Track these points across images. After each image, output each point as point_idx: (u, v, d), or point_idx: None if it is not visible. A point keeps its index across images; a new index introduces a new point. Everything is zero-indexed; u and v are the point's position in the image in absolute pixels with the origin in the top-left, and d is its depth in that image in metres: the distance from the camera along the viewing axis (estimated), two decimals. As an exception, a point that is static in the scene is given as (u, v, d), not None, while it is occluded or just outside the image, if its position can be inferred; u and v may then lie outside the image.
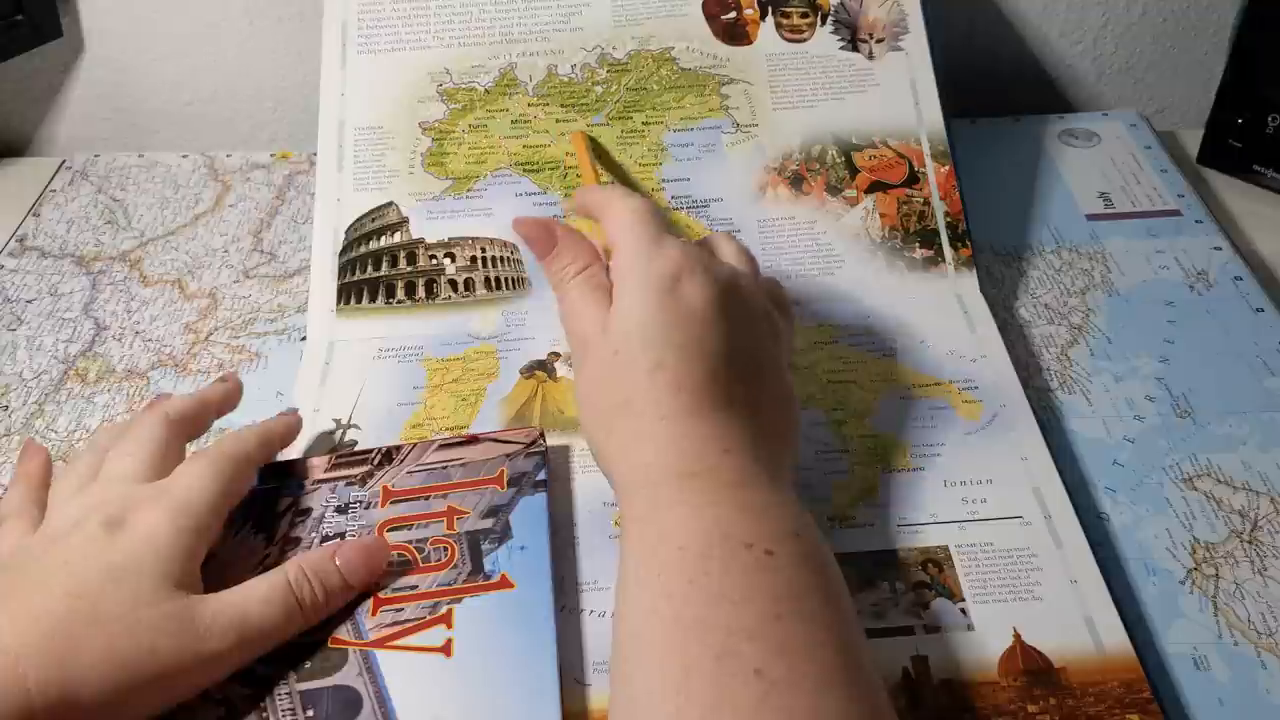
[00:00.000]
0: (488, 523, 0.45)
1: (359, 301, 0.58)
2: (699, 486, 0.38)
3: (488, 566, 0.43)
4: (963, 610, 0.43)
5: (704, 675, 0.32)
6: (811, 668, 0.33)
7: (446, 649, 0.41)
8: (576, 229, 0.48)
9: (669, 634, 0.34)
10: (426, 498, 0.46)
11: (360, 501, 0.46)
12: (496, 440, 0.49)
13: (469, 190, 0.61)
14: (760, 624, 0.33)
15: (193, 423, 0.46)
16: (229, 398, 0.49)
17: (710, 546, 0.36)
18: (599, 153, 0.61)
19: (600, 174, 0.58)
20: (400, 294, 0.58)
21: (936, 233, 0.60)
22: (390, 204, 0.60)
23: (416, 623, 0.42)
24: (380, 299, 0.58)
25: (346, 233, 0.60)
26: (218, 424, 0.49)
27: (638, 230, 0.44)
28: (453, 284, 0.59)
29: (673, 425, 0.39)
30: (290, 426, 0.49)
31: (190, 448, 0.46)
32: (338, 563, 0.42)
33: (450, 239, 0.60)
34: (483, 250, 0.60)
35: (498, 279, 0.59)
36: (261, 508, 0.46)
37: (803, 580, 0.35)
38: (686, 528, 0.36)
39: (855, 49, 0.64)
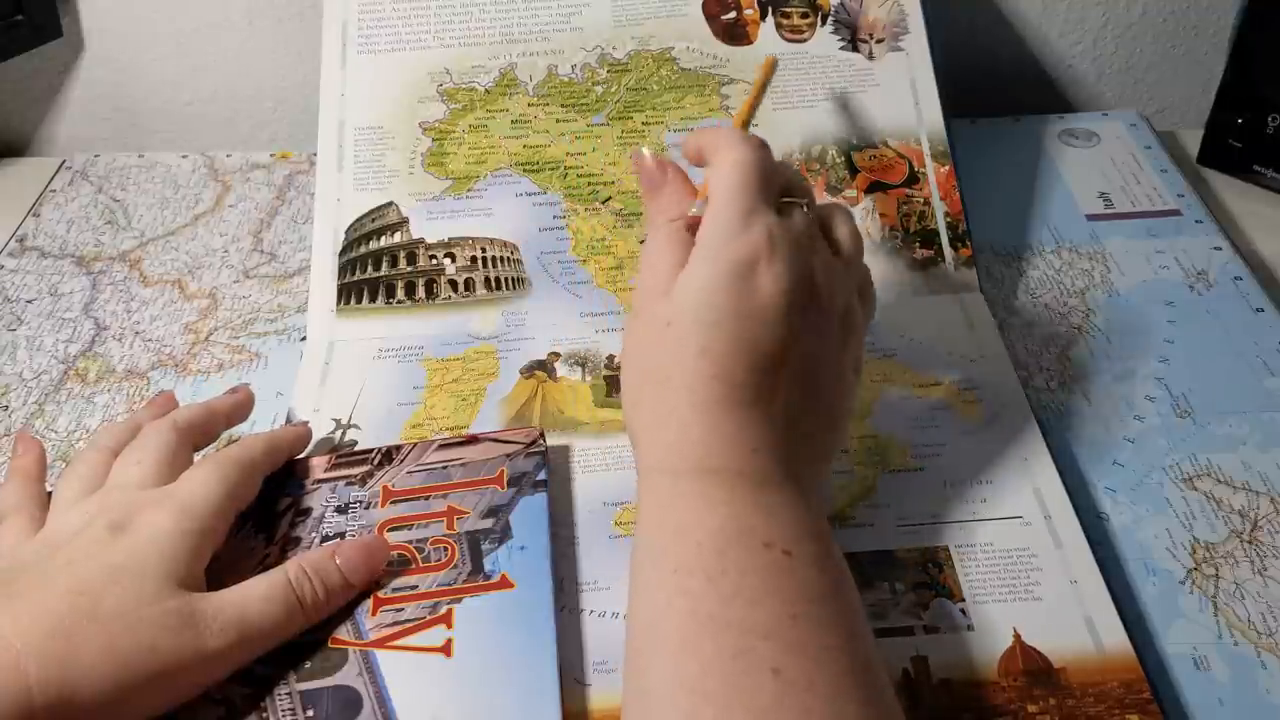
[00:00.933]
0: (488, 523, 0.45)
1: (359, 301, 0.58)
2: (720, 482, 0.37)
3: (488, 566, 0.43)
4: (963, 610, 0.43)
5: (720, 673, 0.32)
6: (827, 670, 0.33)
7: (446, 649, 0.41)
8: (686, 176, 0.45)
9: (685, 630, 0.34)
10: (426, 498, 0.46)
11: (360, 501, 0.46)
12: (496, 440, 0.49)
13: (469, 190, 0.61)
14: (777, 624, 0.33)
15: (201, 431, 0.47)
16: (238, 409, 0.49)
17: (728, 544, 0.35)
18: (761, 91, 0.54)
19: (754, 111, 0.52)
20: (400, 294, 0.58)
21: (936, 233, 0.60)
22: (390, 204, 0.60)
23: (416, 623, 0.42)
24: (380, 299, 0.58)
25: (346, 233, 0.60)
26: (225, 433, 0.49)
27: (733, 196, 0.40)
28: (453, 284, 0.59)
29: (704, 415, 0.38)
30: (300, 437, 0.49)
31: (195, 457, 0.46)
32: (338, 562, 0.42)
33: (450, 239, 0.60)
34: (483, 250, 0.60)
35: (498, 279, 0.59)
36: (261, 508, 0.46)
37: (820, 583, 0.35)
38: (704, 524, 0.36)
39: (855, 49, 0.64)
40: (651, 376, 0.40)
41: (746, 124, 0.50)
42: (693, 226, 0.42)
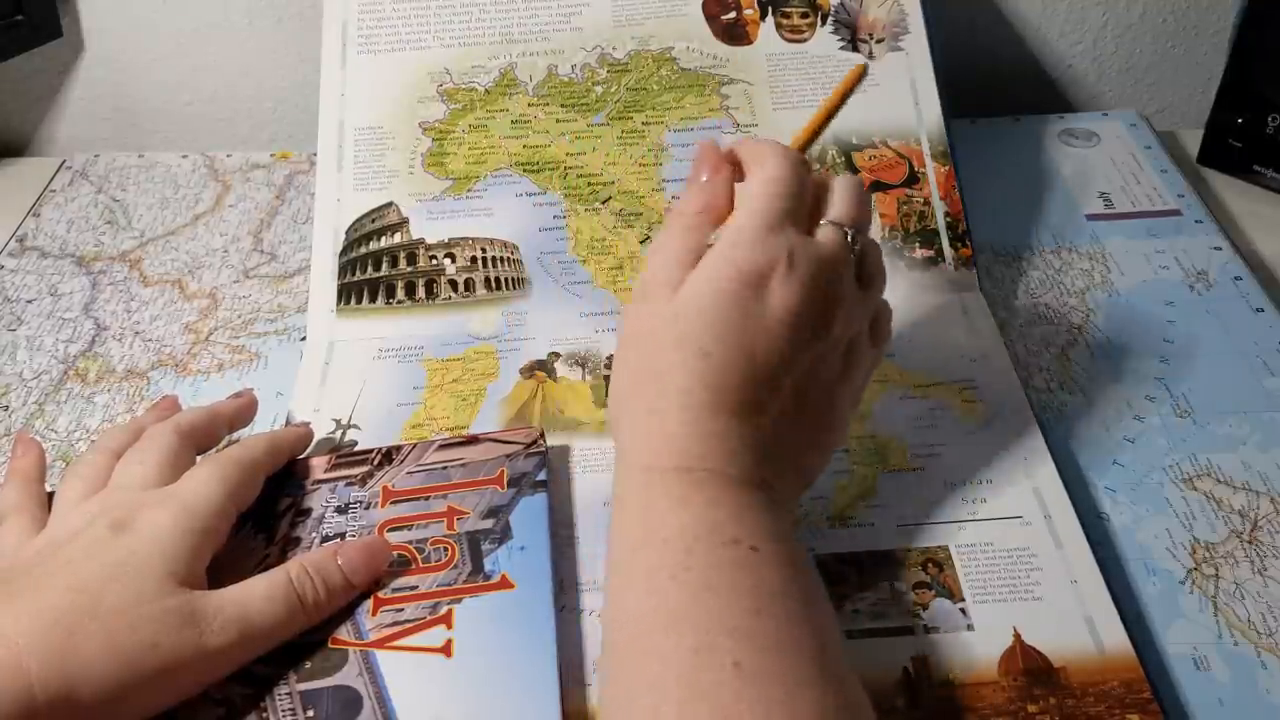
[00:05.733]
0: (488, 523, 0.45)
1: (359, 302, 0.58)
2: (695, 481, 0.38)
3: (488, 567, 0.43)
4: (963, 610, 0.43)
5: (681, 668, 0.32)
6: (790, 664, 0.33)
7: (446, 649, 0.41)
8: (731, 182, 0.44)
9: (649, 628, 0.34)
10: (426, 498, 0.46)
11: (360, 502, 0.46)
12: (496, 440, 0.49)
13: (469, 190, 0.61)
14: (740, 619, 0.33)
15: (204, 434, 0.47)
16: (241, 413, 0.49)
17: (694, 541, 0.35)
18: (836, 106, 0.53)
19: (826, 123, 0.51)
20: (400, 294, 0.58)
21: (936, 233, 0.60)
22: (390, 204, 0.60)
23: (417, 623, 0.42)
24: (380, 299, 0.58)
25: (347, 233, 0.60)
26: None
27: (763, 205, 0.40)
28: (453, 284, 0.59)
29: (693, 416, 0.38)
30: (301, 437, 0.49)
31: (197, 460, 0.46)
32: (340, 562, 0.42)
33: (450, 239, 0.60)
34: (483, 250, 0.60)
35: (498, 279, 0.59)
36: (262, 508, 0.46)
37: (784, 580, 0.35)
38: (672, 522, 0.36)
39: (855, 49, 0.64)
40: (649, 369, 0.40)
41: (814, 136, 0.49)
42: (725, 212, 0.41)
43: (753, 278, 0.39)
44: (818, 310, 0.40)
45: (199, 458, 0.46)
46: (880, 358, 0.45)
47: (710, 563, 0.35)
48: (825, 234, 0.42)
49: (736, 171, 0.44)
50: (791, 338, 0.39)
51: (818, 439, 0.42)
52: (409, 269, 0.59)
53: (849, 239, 0.42)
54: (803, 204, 0.41)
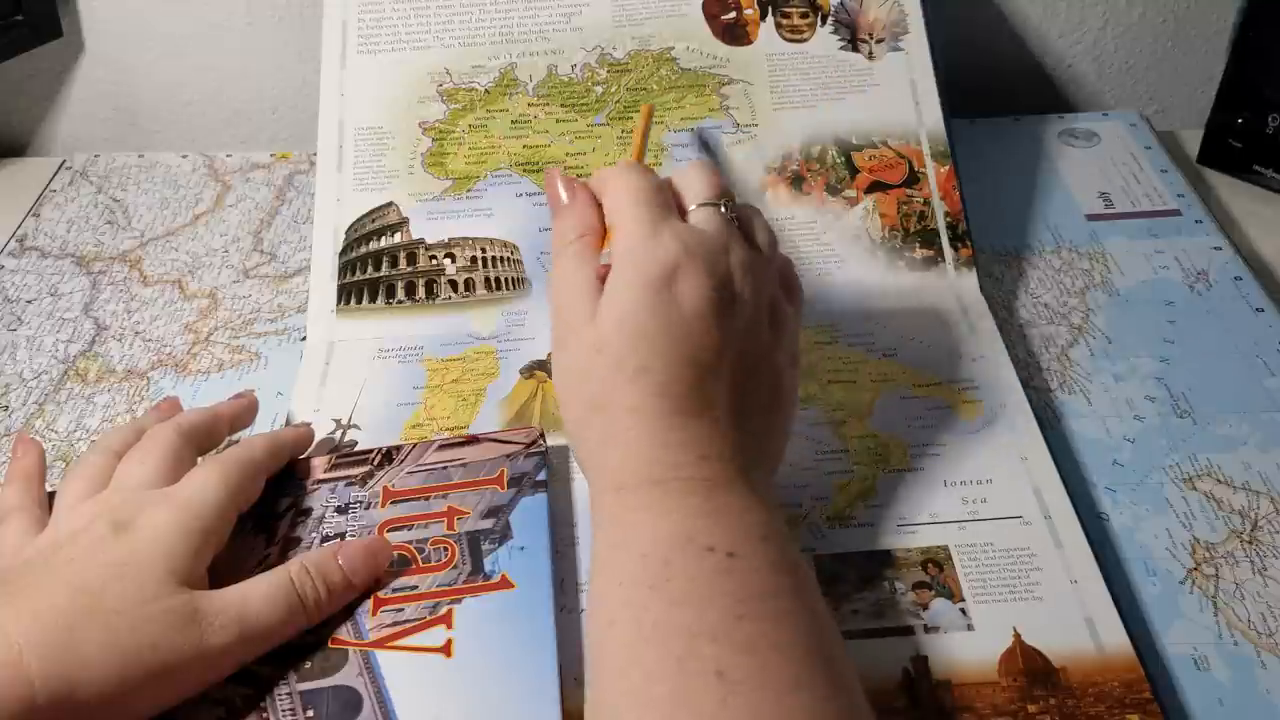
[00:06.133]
0: (488, 523, 0.45)
1: (359, 302, 0.58)
2: (667, 492, 0.37)
3: (488, 567, 0.43)
4: (963, 610, 0.43)
5: (665, 680, 0.32)
6: (777, 667, 0.32)
7: (446, 649, 0.41)
8: (593, 196, 0.45)
9: (630, 642, 0.34)
10: (427, 498, 0.46)
11: (360, 502, 0.46)
12: (496, 440, 0.49)
13: (469, 190, 0.61)
14: (722, 625, 0.33)
15: (206, 435, 0.47)
16: (242, 414, 0.49)
17: (671, 551, 0.35)
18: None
19: (646, 151, 0.54)
20: (400, 294, 0.58)
21: (936, 233, 0.60)
22: (390, 204, 0.60)
23: (416, 623, 0.42)
24: (380, 299, 0.58)
25: (346, 233, 0.60)
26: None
27: (635, 213, 0.41)
28: (453, 284, 0.59)
29: (650, 430, 0.38)
30: (301, 437, 0.49)
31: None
32: (340, 561, 0.42)
33: (450, 239, 0.60)
34: (483, 250, 0.60)
35: (498, 279, 0.59)
36: (262, 508, 0.46)
37: (769, 582, 0.35)
38: (648, 535, 0.36)
39: (855, 49, 0.64)
40: (591, 403, 0.40)
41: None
42: (602, 226, 0.43)
43: (659, 281, 0.39)
44: (727, 287, 0.40)
45: (200, 459, 0.46)
46: (800, 313, 0.45)
47: (689, 571, 0.35)
48: (700, 216, 0.42)
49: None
50: (715, 323, 0.39)
51: (773, 413, 0.42)
52: (409, 269, 0.59)
53: (723, 211, 0.43)
54: (667, 199, 0.42)
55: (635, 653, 0.33)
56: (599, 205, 0.44)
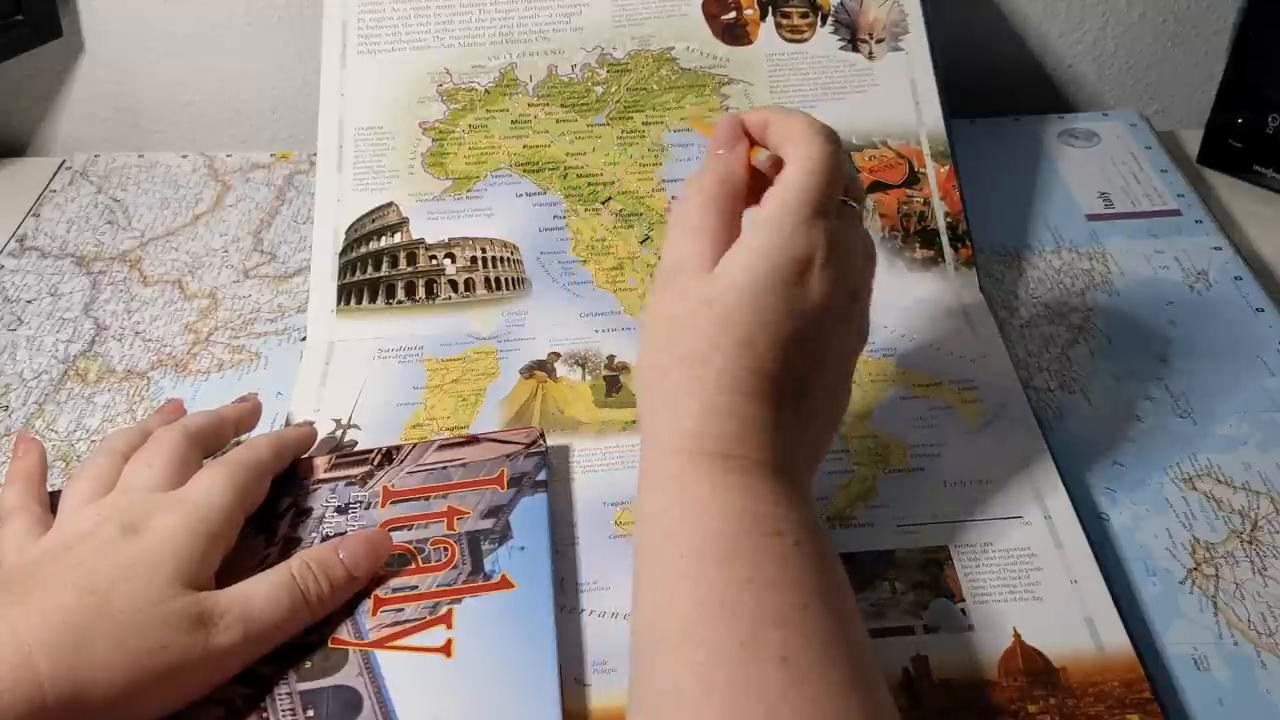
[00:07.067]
0: (488, 523, 0.45)
1: (359, 302, 0.58)
2: (736, 468, 0.37)
3: (488, 567, 0.43)
4: (963, 610, 0.43)
5: (729, 661, 0.32)
6: (835, 662, 0.32)
7: (446, 649, 0.41)
8: (747, 153, 0.43)
9: (694, 618, 0.33)
10: (427, 498, 0.46)
11: (360, 501, 0.46)
12: (496, 440, 0.49)
13: (469, 190, 0.61)
14: (788, 613, 0.33)
15: (211, 437, 0.47)
16: (246, 417, 0.49)
17: (740, 530, 0.35)
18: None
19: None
20: (400, 294, 0.58)
21: (936, 233, 0.60)
22: (390, 204, 0.60)
23: (416, 623, 0.42)
24: (380, 299, 0.58)
25: (346, 233, 0.60)
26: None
27: (805, 194, 0.39)
28: (453, 284, 0.59)
29: (734, 403, 0.38)
30: (305, 436, 0.49)
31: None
32: (341, 555, 0.42)
33: (450, 239, 0.60)
34: (483, 250, 0.60)
35: (498, 279, 0.59)
36: (262, 508, 0.46)
37: (825, 577, 0.35)
38: (717, 510, 0.36)
39: (855, 49, 0.64)
40: (683, 354, 0.38)
41: None
42: (746, 187, 0.41)
43: (796, 266, 0.38)
44: (851, 292, 0.40)
45: (205, 461, 0.46)
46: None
47: (756, 554, 0.34)
48: (851, 216, 0.41)
49: (756, 143, 0.43)
50: (830, 324, 0.39)
51: (836, 418, 0.42)
52: (409, 269, 0.59)
53: (861, 216, 0.42)
54: (839, 186, 0.41)
55: (700, 630, 0.33)
56: (747, 164, 0.42)
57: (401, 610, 0.42)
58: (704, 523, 0.35)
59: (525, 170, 0.61)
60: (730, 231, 0.40)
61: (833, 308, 0.39)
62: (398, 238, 0.60)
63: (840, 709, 0.31)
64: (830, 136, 0.41)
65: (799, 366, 0.38)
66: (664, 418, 0.39)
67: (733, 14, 0.65)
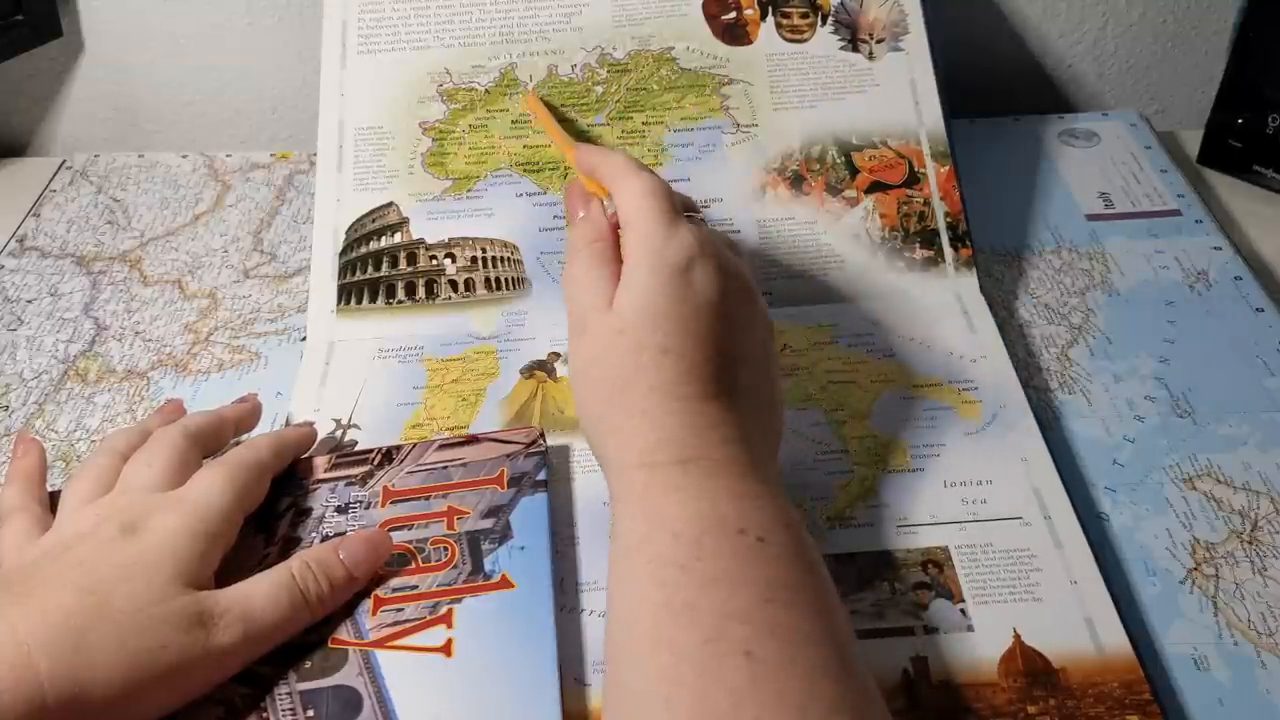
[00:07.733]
0: (488, 523, 0.45)
1: (359, 302, 0.58)
2: (695, 472, 0.38)
3: (488, 566, 0.43)
4: (963, 610, 0.43)
5: (694, 659, 0.32)
6: (803, 654, 0.33)
7: (446, 649, 0.41)
8: (602, 206, 0.47)
9: (659, 621, 0.34)
10: (427, 498, 0.46)
11: (360, 501, 0.46)
12: (496, 440, 0.49)
13: (469, 190, 0.61)
14: (752, 607, 0.33)
15: (211, 438, 0.47)
16: (246, 418, 0.50)
17: (703, 532, 0.36)
18: (553, 111, 0.61)
19: (563, 134, 0.58)
20: (400, 294, 0.58)
21: (936, 233, 0.60)
22: (390, 204, 0.60)
23: (417, 623, 0.42)
24: (380, 299, 0.58)
25: (347, 233, 0.60)
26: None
27: (652, 210, 0.43)
28: (453, 284, 0.59)
29: (677, 409, 0.39)
30: (305, 436, 0.49)
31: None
32: (341, 555, 0.42)
33: (450, 239, 0.60)
34: (483, 250, 0.60)
35: (498, 279, 0.59)
36: (262, 508, 0.46)
37: (794, 570, 0.35)
38: (680, 514, 0.36)
39: (855, 49, 0.64)
40: (613, 385, 0.41)
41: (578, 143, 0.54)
42: (612, 234, 0.45)
43: (679, 269, 0.41)
44: (738, 282, 0.43)
45: (205, 461, 0.46)
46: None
47: (720, 553, 0.35)
48: (695, 219, 0.45)
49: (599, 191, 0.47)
50: (729, 311, 0.41)
51: (776, 403, 0.43)
52: (409, 269, 0.59)
53: (704, 221, 0.46)
54: (675, 200, 0.44)
55: (665, 632, 0.33)
56: (607, 216, 0.46)
57: (401, 610, 0.42)
58: (668, 528, 0.36)
59: (525, 170, 0.61)
60: (616, 273, 0.43)
61: (728, 292, 0.42)
62: (398, 238, 0.60)
63: (805, 697, 0.31)
64: (637, 165, 0.46)
65: (721, 355, 0.40)
66: (617, 442, 0.40)
67: (733, 14, 0.65)
